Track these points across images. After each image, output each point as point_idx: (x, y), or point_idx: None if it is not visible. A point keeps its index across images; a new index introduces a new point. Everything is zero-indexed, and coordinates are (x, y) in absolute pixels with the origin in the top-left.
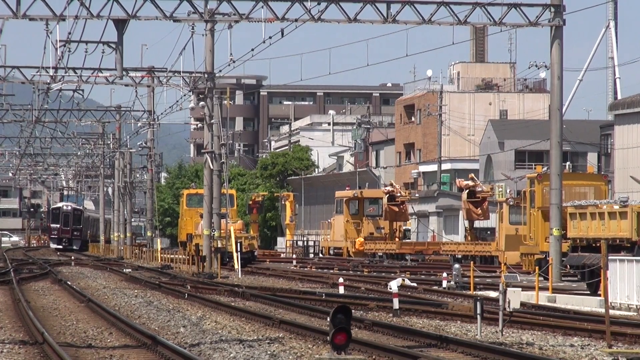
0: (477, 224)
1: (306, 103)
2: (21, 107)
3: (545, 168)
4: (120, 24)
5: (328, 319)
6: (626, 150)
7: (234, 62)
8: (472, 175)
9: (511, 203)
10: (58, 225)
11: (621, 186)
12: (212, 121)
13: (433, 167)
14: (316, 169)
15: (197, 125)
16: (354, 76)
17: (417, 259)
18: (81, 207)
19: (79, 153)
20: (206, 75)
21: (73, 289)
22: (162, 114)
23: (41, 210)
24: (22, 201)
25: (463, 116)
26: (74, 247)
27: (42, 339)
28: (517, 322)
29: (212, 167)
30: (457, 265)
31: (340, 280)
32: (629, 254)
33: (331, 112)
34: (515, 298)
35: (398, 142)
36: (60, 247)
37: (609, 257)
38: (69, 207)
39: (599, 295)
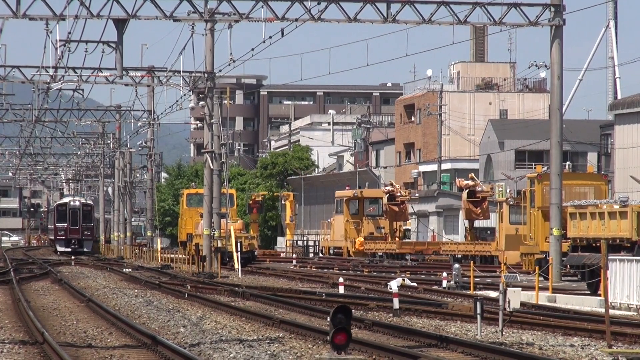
0: (477, 223)
1: (306, 103)
2: (21, 107)
3: (545, 168)
4: (120, 24)
5: (328, 319)
6: (626, 150)
7: (234, 61)
8: (472, 175)
9: (511, 203)
10: (65, 225)
11: (621, 186)
12: (212, 121)
13: (433, 167)
14: (316, 169)
15: (197, 125)
16: (354, 76)
17: (417, 259)
18: (91, 202)
19: (79, 153)
20: (206, 75)
21: (73, 289)
22: (162, 113)
23: (41, 210)
24: (22, 201)
25: (463, 116)
26: (85, 250)
27: (42, 339)
28: (517, 322)
29: (212, 166)
30: (457, 265)
31: (340, 280)
32: (629, 254)
33: (331, 111)
34: (515, 298)
35: (398, 141)
36: (69, 249)
37: (609, 257)
38: (77, 203)
39: (599, 295)
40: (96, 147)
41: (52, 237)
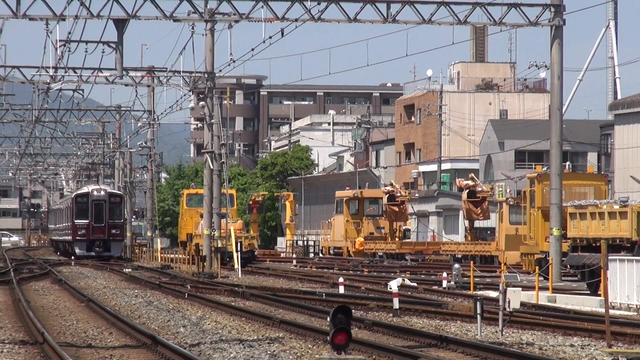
0: (477, 224)
1: (306, 103)
2: (21, 107)
3: (545, 168)
4: (120, 24)
5: (328, 319)
6: (626, 150)
7: (234, 62)
8: (472, 175)
9: (511, 203)
10: (87, 221)
11: (621, 186)
12: (212, 121)
13: (433, 167)
14: (316, 169)
15: (197, 125)
16: (354, 76)
17: (417, 259)
18: (120, 192)
19: (79, 153)
20: (206, 75)
21: (73, 289)
22: (162, 114)
23: (41, 210)
24: (22, 201)
25: (463, 116)
26: (113, 254)
27: (42, 339)
28: (517, 322)
29: (212, 167)
30: (457, 265)
31: (340, 280)
32: (629, 254)
33: (331, 112)
34: (515, 298)
35: (398, 142)
36: (92, 254)
37: (609, 257)
38: (103, 193)
39: (599, 295)
40: (96, 147)
41: (65, 237)
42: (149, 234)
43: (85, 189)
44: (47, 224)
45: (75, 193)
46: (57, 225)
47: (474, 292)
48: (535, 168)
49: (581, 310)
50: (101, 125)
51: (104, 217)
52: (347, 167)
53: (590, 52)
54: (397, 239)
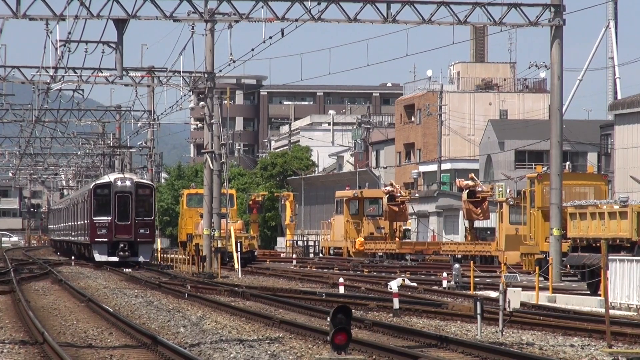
0: (477, 224)
1: (306, 103)
2: (21, 107)
3: (545, 168)
4: (120, 24)
5: (328, 319)
6: (626, 150)
7: (234, 62)
8: (472, 175)
9: (511, 203)
10: (108, 219)
11: (621, 186)
12: (212, 121)
13: (433, 167)
14: (316, 169)
15: (197, 125)
16: (354, 76)
17: (417, 259)
18: (150, 182)
19: (79, 153)
20: (206, 75)
21: (73, 289)
22: (162, 114)
23: (41, 210)
24: (22, 201)
25: (463, 116)
26: (140, 259)
27: (42, 339)
28: (517, 322)
29: (212, 167)
30: (457, 265)
31: (340, 280)
32: (629, 254)
33: (331, 112)
34: (515, 298)
35: (398, 142)
36: (115, 259)
37: (609, 257)
38: (128, 183)
39: (599, 295)
40: (96, 147)
41: (81, 239)
42: None
43: (106, 179)
44: (46, 225)
45: (94, 183)
46: (68, 224)
47: (474, 292)
48: (535, 168)
49: (581, 311)
50: (101, 125)
51: (129, 214)
52: (347, 167)
53: (590, 52)
54: (397, 239)
